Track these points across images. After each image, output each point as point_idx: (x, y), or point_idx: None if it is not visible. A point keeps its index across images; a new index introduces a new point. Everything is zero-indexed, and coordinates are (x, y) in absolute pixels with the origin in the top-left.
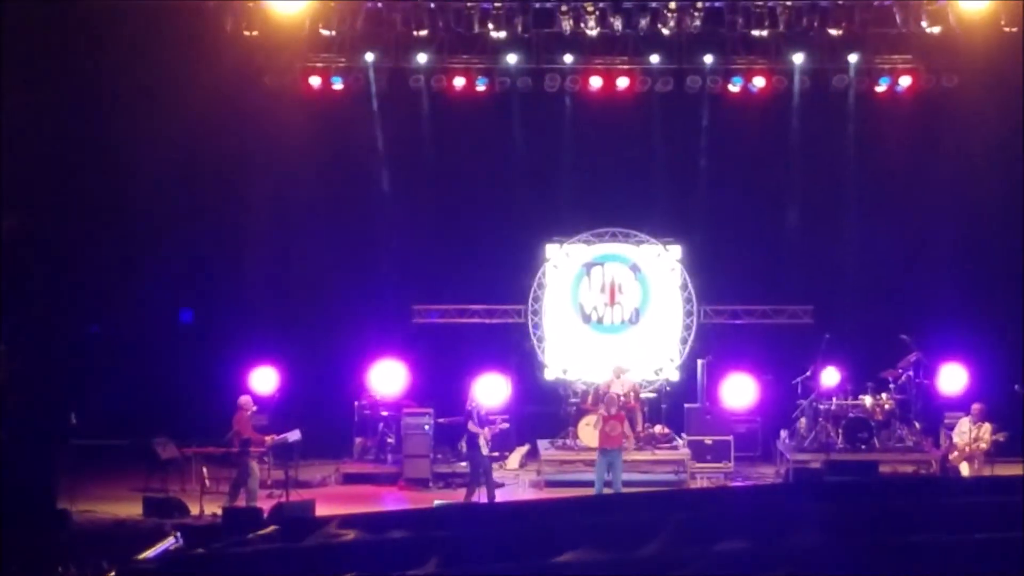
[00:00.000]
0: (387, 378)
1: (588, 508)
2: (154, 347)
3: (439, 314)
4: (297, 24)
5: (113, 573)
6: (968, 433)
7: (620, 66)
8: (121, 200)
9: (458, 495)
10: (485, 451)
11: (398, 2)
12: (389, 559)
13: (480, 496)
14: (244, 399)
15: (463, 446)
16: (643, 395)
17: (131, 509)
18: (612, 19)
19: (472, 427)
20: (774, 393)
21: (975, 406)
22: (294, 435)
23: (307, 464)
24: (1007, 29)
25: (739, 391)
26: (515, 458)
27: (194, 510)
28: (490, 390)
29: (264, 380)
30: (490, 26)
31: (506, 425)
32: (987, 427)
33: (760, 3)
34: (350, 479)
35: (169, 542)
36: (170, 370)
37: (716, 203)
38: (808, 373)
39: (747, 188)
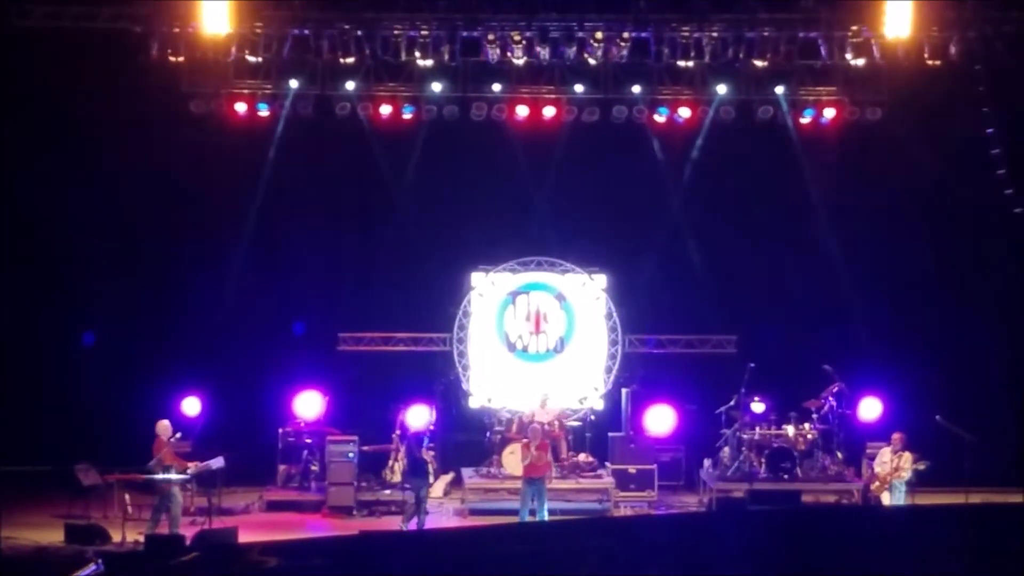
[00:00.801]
0: (312, 406)
1: (513, 536)
2: (77, 373)
3: (364, 342)
4: (223, 50)
5: None
6: (889, 463)
7: (546, 95)
8: (44, 227)
9: (382, 523)
10: (432, 478)
11: (325, 29)
12: None
13: (412, 523)
14: (161, 425)
15: (390, 474)
16: (568, 424)
17: (52, 536)
18: (539, 49)
19: (423, 454)
20: (698, 422)
21: (895, 435)
22: (217, 462)
23: (230, 491)
24: (930, 62)
25: (663, 420)
26: (439, 486)
27: (116, 537)
28: (416, 418)
29: (188, 407)
30: (417, 54)
31: (432, 453)
32: (907, 456)
33: (686, 34)
34: (274, 506)
35: (90, 569)
36: (93, 396)
37: (641, 233)
38: (732, 402)
39: (672, 218)
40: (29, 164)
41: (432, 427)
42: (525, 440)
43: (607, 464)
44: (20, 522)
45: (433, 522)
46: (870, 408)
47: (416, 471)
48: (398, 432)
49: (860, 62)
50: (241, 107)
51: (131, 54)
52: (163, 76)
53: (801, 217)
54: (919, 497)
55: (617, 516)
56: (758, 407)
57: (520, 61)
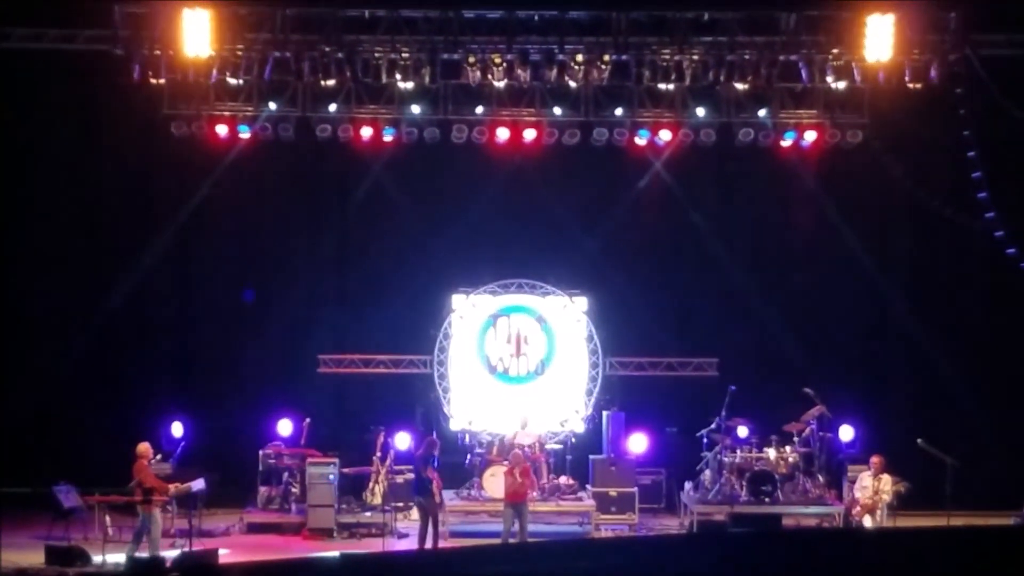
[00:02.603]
0: (292, 427)
1: (495, 557)
2: (58, 395)
3: (345, 364)
4: (204, 72)
5: None
6: (870, 487)
7: (527, 118)
8: (22, 249)
9: (363, 545)
10: (438, 497)
11: (306, 51)
12: None
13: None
14: (142, 447)
15: (370, 496)
16: (548, 446)
17: (33, 558)
18: (519, 71)
19: (429, 472)
20: (679, 445)
21: (874, 459)
22: (198, 484)
23: (211, 513)
24: (911, 85)
25: (644, 443)
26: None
27: (97, 559)
28: (398, 441)
29: (174, 430)
30: (398, 76)
31: (412, 475)
32: (887, 479)
33: (667, 57)
34: (254, 528)
35: None
36: (73, 418)
37: (622, 255)
38: (713, 425)
39: (653, 240)
40: (8, 187)
41: (437, 451)
42: (507, 467)
43: (588, 487)
44: (0, 544)
45: (412, 543)
46: (850, 432)
47: (422, 490)
48: (378, 454)
49: (841, 85)
50: (222, 129)
51: (112, 76)
52: (144, 98)
53: (781, 239)
54: (901, 520)
55: (599, 538)
56: (743, 431)
57: (501, 84)
